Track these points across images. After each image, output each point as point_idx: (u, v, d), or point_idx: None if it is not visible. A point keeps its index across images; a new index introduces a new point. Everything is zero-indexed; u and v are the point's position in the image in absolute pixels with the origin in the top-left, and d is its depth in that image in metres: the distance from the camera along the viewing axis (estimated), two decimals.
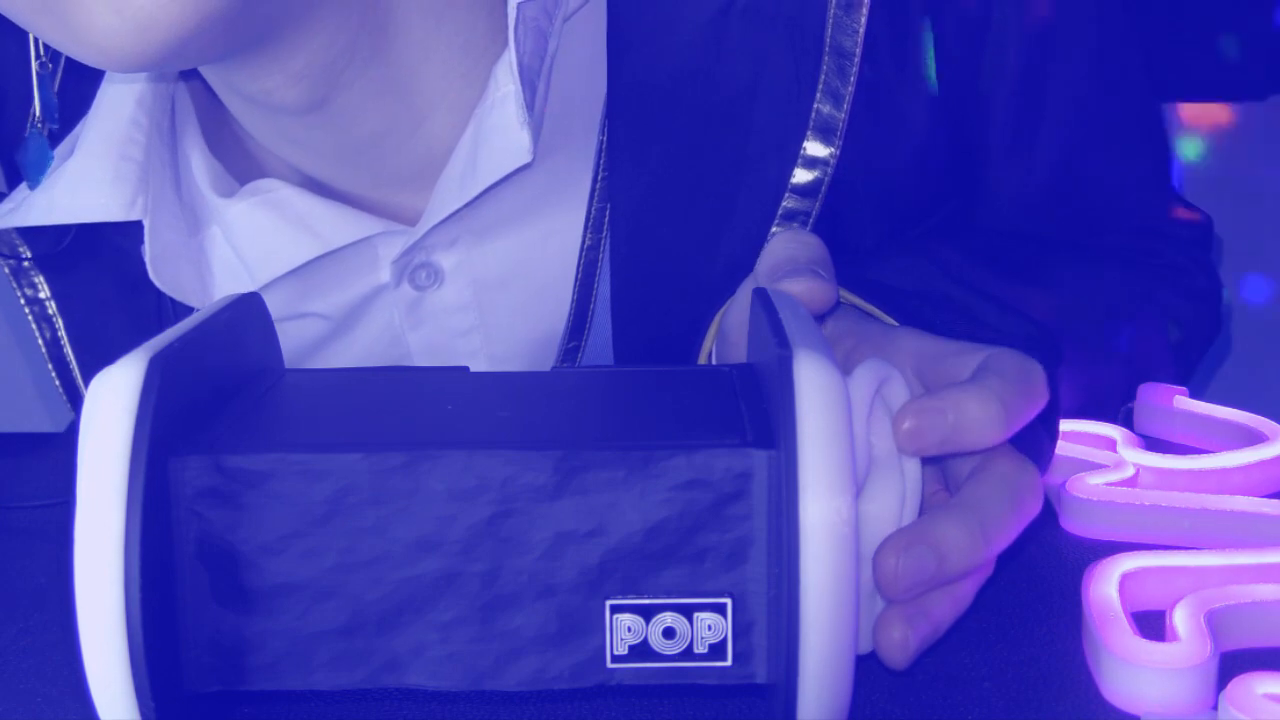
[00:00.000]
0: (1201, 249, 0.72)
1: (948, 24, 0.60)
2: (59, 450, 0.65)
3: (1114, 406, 0.64)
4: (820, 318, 0.46)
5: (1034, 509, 0.40)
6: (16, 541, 0.51)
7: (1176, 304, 0.68)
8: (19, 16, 0.48)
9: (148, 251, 0.60)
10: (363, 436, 0.36)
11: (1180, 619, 0.41)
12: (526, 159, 0.56)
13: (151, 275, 0.61)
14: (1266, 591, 0.43)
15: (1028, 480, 0.40)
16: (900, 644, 0.37)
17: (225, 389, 0.39)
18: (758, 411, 0.37)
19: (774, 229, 0.58)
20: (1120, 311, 0.65)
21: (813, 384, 0.34)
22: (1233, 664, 0.40)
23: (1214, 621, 0.41)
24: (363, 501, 0.35)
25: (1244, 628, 0.43)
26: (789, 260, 0.46)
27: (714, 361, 0.52)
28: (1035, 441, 0.48)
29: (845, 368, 0.42)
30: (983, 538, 0.38)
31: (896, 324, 0.47)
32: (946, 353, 0.43)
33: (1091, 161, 0.66)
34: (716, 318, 0.52)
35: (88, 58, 0.47)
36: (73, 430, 0.66)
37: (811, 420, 0.33)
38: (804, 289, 0.45)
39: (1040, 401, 0.41)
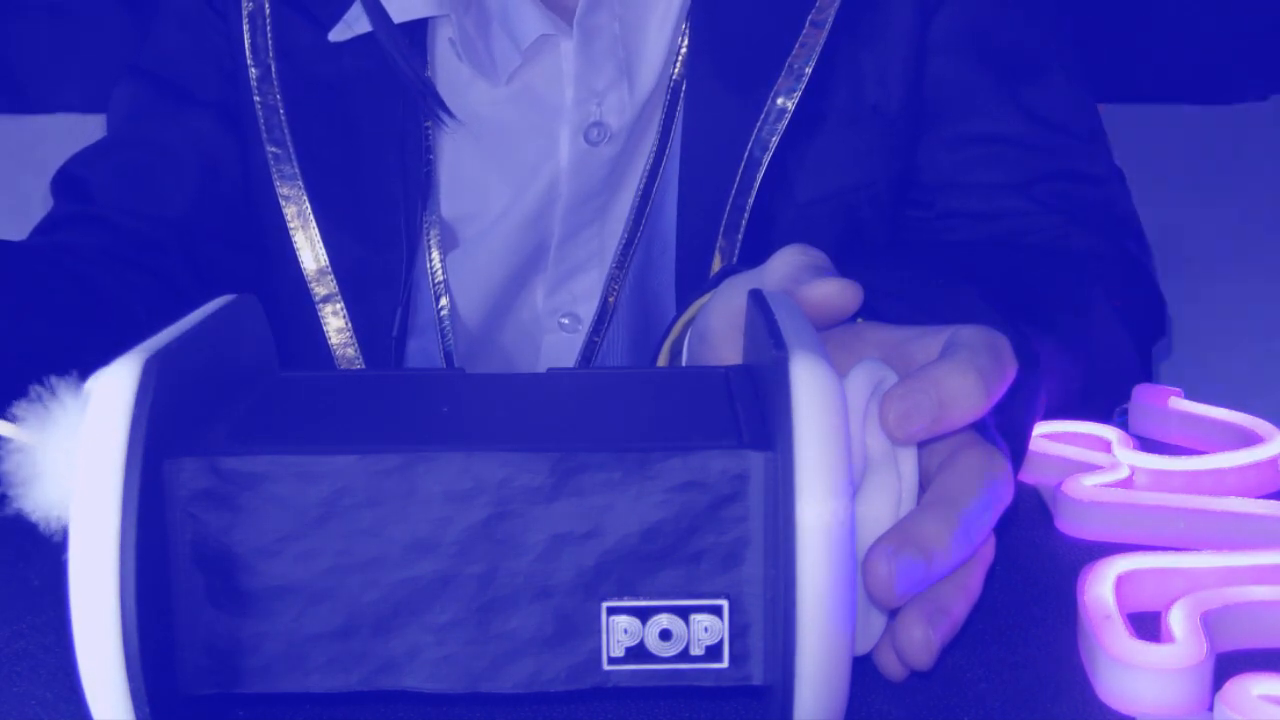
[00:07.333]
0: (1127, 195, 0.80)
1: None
2: None
3: (1088, 400, 0.64)
4: None
5: (1006, 497, 0.40)
6: (11, 544, 0.51)
7: (1121, 291, 0.72)
8: None
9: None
10: (358, 438, 0.36)
11: (1176, 620, 0.41)
12: None
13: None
14: (1262, 592, 0.43)
15: (997, 469, 0.40)
16: (923, 643, 0.37)
17: (221, 390, 0.39)
18: (754, 413, 0.37)
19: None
20: (1074, 304, 0.67)
21: (809, 386, 0.34)
22: (1228, 665, 0.40)
23: (1209, 622, 0.41)
24: (359, 503, 0.35)
25: (1239, 629, 0.43)
26: (811, 267, 0.46)
27: (686, 353, 0.52)
28: (1017, 426, 0.48)
29: None
30: (963, 531, 0.38)
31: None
32: (910, 337, 0.43)
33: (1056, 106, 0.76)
34: (693, 307, 0.52)
35: None
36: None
37: (808, 422, 0.33)
38: (839, 288, 0.44)
39: (1011, 370, 0.41)
